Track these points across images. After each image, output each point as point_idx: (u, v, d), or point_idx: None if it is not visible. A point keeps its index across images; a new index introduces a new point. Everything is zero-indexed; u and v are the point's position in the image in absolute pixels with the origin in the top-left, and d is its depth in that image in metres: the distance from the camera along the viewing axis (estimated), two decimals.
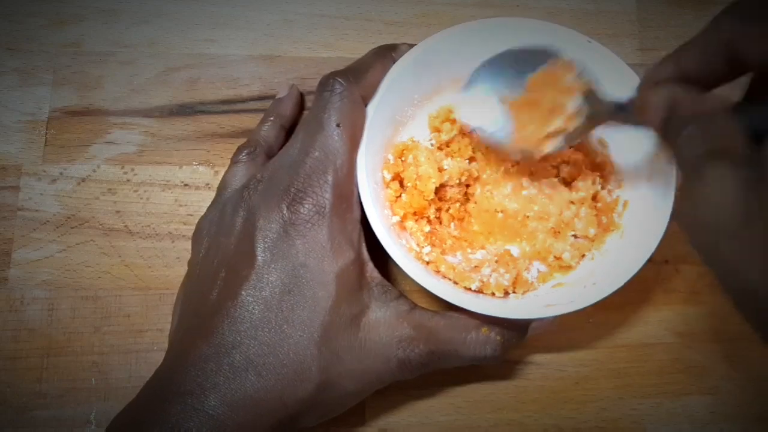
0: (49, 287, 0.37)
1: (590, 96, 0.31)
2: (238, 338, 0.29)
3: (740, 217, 0.20)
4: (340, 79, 0.32)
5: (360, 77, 0.33)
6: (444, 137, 0.37)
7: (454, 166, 0.35)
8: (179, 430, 0.27)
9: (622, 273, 0.31)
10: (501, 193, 0.36)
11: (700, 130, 0.23)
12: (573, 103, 0.31)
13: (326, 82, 0.32)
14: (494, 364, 0.38)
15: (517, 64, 0.33)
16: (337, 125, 0.31)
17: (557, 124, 0.32)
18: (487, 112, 0.34)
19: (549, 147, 0.33)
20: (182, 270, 0.35)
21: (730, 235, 0.20)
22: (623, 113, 0.30)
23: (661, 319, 0.39)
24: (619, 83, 0.33)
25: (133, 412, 0.29)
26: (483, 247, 0.36)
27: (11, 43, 0.40)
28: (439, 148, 0.37)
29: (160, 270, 0.38)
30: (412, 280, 0.31)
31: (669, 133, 0.25)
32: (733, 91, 0.27)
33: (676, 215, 0.22)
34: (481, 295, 0.34)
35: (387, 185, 0.35)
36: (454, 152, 0.37)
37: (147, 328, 0.37)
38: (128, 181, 0.39)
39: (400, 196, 0.35)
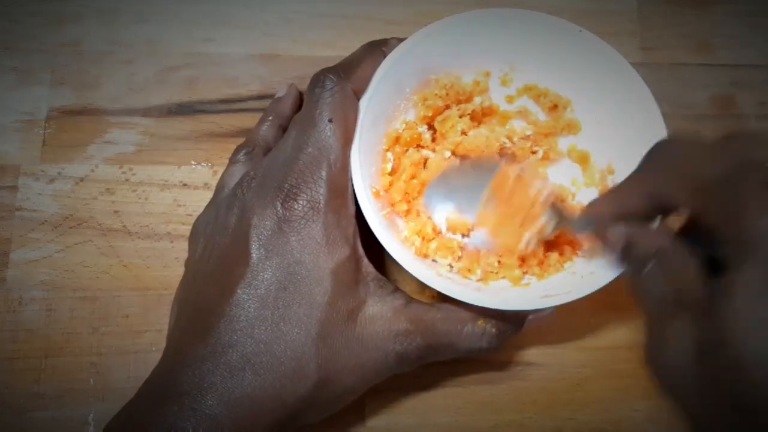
0: (47, 288, 0.37)
1: (556, 207, 0.33)
2: (235, 337, 0.29)
3: (692, 361, 0.23)
4: (331, 75, 0.32)
5: (351, 72, 0.33)
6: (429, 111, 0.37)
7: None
8: (176, 430, 0.27)
9: None
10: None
11: (660, 267, 0.26)
12: (543, 217, 0.34)
13: (317, 79, 0.32)
14: (495, 365, 0.38)
15: (469, 176, 0.35)
16: (329, 120, 0.31)
17: (530, 231, 0.34)
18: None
19: (524, 246, 0.34)
20: (181, 270, 0.35)
21: (683, 374, 0.23)
22: (584, 232, 0.32)
23: None
24: (611, 72, 0.34)
25: (131, 412, 0.29)
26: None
27: (9, 42, 0.40)
28: (429, 127, 0.37)
29: (158, 270, 0.38)
30: (409, 274, 0.31)
31: (630, 263, 0.28)
32: None
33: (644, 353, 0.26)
34: (482, 285, 0.34)
35: (381, 179, 0.35)
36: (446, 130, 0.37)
37: (145, 329, 0.37)
38: (127, 180, 0.39)
39: (391, 183, 0.35)
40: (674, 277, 0.25)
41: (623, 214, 0.28)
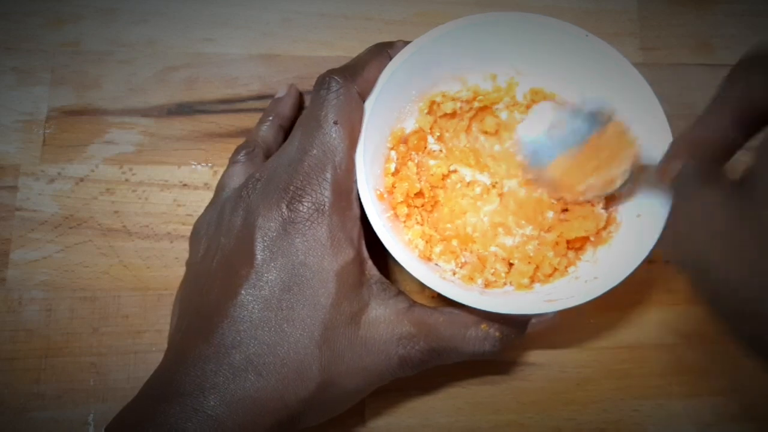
0: (47, 288, 0.37)
1: (636, 164, 0.32)
2: (238, 338, 0.29)
3: (724, 225, 0.23)
4: (336, 77, 0.32)
5: (357, 74, 0.33)
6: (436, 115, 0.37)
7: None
8: (178, 431, 0.27)
9: (622, 268, 0.31)
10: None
11: (698, 168, 0.26)
12: (622, 168, 0.33)
13: (323, 81, 0.32)
14: (495, 365, 0.38)
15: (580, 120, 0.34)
16: (335, 123, 0.31)
17: (598, 177, 0.33)
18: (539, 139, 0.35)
19: (585, 196, 0.34)
20: (181, 270, 0.35)
21: (715, 241, 0.23)
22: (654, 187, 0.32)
23: (663, 319, 0.39)
24: (617, 76, 0.34)
25: (132, 412, 0.29)
26: (473, 242, 0.36)
27: (9, 42, 0.40)
28: (439, 139, 0.37)
29: (158, 270, 0.38)
30: (413, 277, 0.31)
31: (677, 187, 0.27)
32: None
33: (667, 235, 0.26)
34: (484, 289, 0.34)
35: (384, 180, 0.35)
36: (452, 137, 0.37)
37: (145, 329, 0.37)
38: (126, 181, 0.39)
39: (394, 185, 0.35)
40: (706, 176, 0.25)
41: (703, 144, 0.27)
